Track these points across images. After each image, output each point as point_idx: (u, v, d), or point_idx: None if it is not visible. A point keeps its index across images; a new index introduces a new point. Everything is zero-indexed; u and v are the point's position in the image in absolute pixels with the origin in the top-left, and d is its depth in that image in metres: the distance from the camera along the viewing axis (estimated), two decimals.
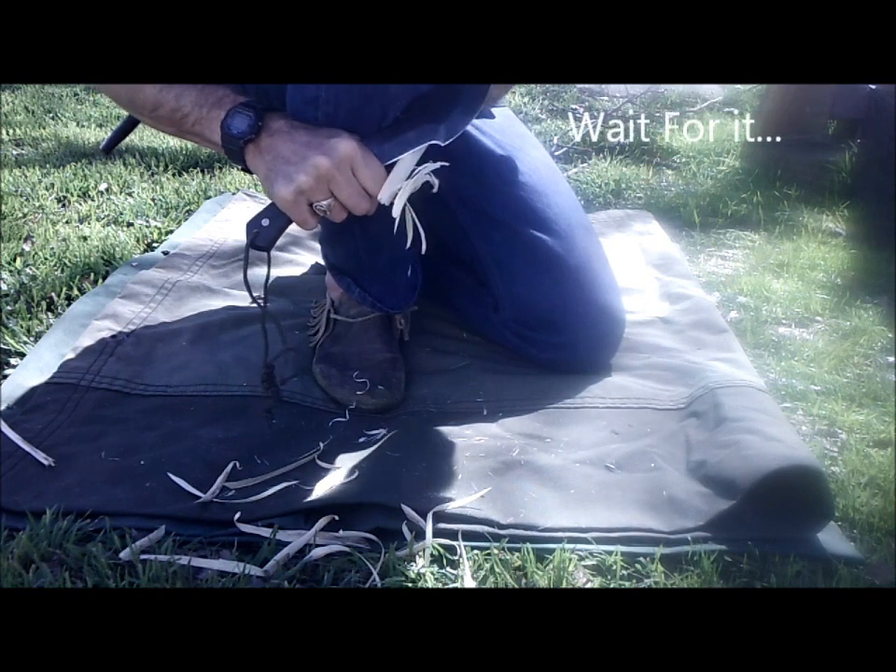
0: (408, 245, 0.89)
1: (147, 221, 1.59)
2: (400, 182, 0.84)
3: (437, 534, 0.77)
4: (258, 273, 1.36)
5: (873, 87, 1.97)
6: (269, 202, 0.85)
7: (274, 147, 0.82)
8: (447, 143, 0.84)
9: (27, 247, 1.41)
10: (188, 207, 1.68)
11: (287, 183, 0.80)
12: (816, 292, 1.38)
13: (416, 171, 0.84)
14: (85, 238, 1.47)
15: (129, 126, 1.03)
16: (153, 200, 1.70)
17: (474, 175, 1.08)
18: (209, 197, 1.74)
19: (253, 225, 0.85)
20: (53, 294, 1.24)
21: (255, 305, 0.88)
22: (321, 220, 0.86)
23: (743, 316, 1.28)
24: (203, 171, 1.94)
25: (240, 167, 0.86)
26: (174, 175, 1.89)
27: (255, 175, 0.88)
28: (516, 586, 0.73)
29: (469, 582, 0.72)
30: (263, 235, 0.84)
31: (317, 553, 0.75)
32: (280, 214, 0.84)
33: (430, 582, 0.72)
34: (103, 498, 0.80)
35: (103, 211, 1.63)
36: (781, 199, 1.84)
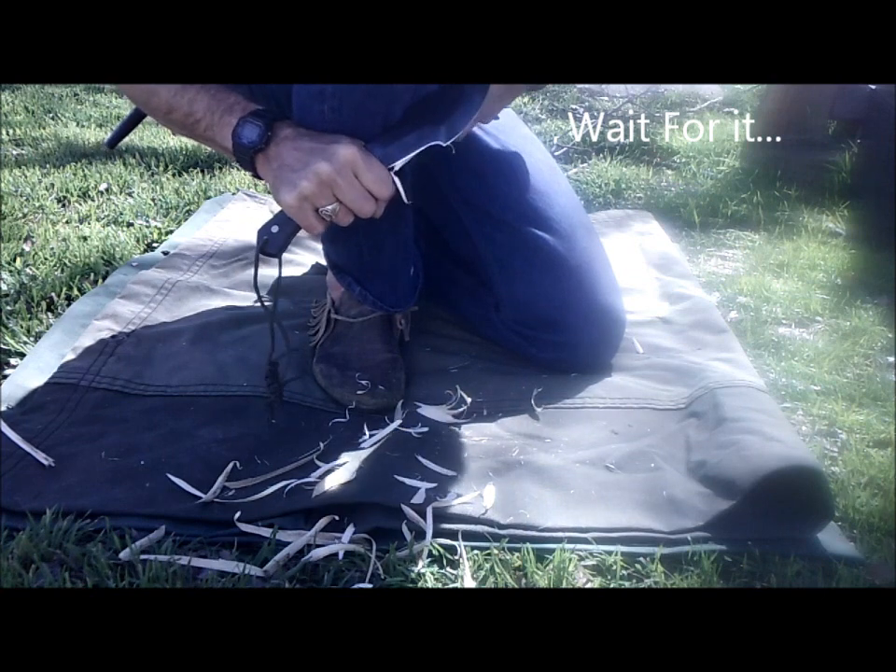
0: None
1: (147, 221, 1.59)
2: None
3: (437, 534, 0.77)
4: (259, 273, 1.36)
5: (873, 87, 1.97)
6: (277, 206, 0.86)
7: (280, 155, 0.83)
8: (448, 143, 0.85)
9: (27, 247, 1.41)
10: (188, 207, 1.68)
11: (290, 189, 0.81)
12: (816, 292, 1.38)
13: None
14: (85, 238, 1.47)
15: (133, 122, 1.04)
16: (153, 200, 1.70)
17: (476, 174, 1.08)
18: (209, 197, 1.74)
19: (263, 232, 0.86)
20: (53, 294, 1.24)
21: (258, 306, 0.89)
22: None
23: (743, 316, 1.28)
24: (202, 171, 1.94)
25: (251, 174, 0.88)
26: (174, 175, 1.89)
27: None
28: (516, 586, 0.73)
29: (469, 582, 0.72)
30: (273, 242, 0.86)
31: (317, 553, 0.75)
32: (289, 220, 0.85)
33: (430, 582, 0.72)
34: (103, 498, 0.80)
35: (103, 211, 1.63)
36: (781, 199, 1.84)
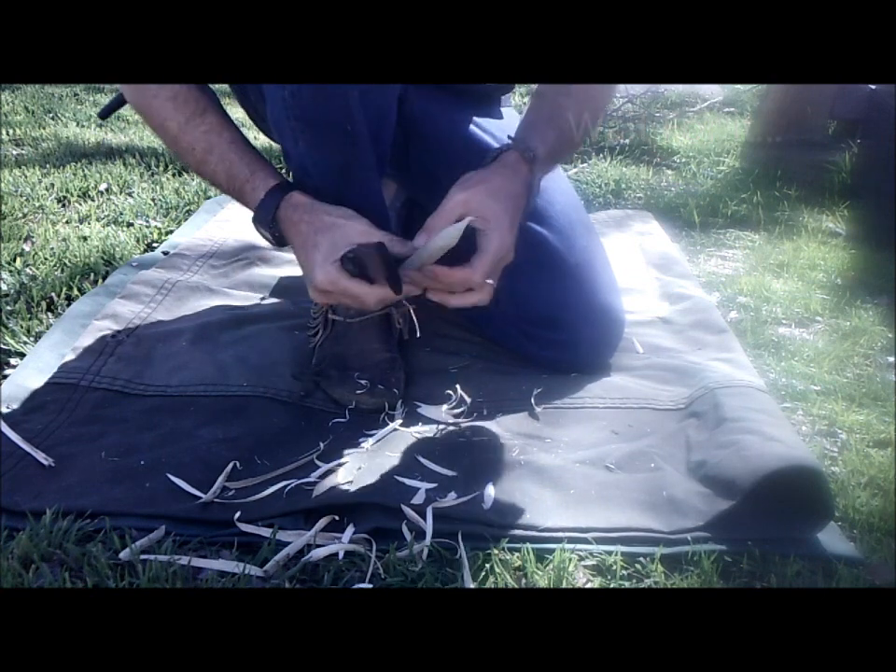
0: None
1: (147, 221, 1.59)
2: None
3: (437, 534, 0.77)
4: (259, 273, 1.37)
5: (873, 87, 1.97)
6: None
7: (289, 237, 0.93)
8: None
9: (27, 247, 1.41)
10: (188, 207, 1.68)
11: (309, 284, 0.91)
12: (816, 292, 1.38)
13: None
14: (85, 238, 1.47)
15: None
16: (153, 200, 1.70)
17: None
18: (209, 197, 1.74)
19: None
20: (53, 294, 1.24)
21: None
22: None
23: (743, 316, 1.28)
24: None
25: None
26: (174, 175, 1.89)
27: None
28: (516, 586, 0.73)
29: (469, 582, 0.72)
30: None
31: (317, 553, 0.75)
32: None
33: (430, 582, 0.72)
34: (103, 498, 0.80)
35: (103, 211, 1.64)
36: (781, 199, 1.84)
